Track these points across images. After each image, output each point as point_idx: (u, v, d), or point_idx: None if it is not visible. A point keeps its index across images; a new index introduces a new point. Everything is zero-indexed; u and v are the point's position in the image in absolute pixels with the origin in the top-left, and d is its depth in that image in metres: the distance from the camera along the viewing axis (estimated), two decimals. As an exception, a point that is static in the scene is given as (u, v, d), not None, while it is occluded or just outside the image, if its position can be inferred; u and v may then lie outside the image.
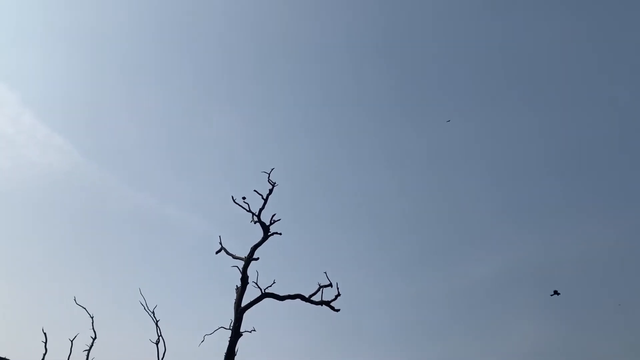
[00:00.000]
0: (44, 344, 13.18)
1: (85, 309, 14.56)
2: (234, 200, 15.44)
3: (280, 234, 15.50)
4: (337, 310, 14.45)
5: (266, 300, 14.37)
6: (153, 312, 14.62)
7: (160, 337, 14.41)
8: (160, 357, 14.18)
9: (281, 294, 14.59)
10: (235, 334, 13.40)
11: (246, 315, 13.88)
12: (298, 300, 14.64)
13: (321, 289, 14.58)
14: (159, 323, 14.56)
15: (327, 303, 14.44)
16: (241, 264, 14.85)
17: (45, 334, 13.41)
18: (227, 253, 15.61)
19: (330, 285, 14.49)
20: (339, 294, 14.44)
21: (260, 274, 14.63)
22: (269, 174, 15.81)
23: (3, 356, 12.27)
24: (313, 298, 14.60)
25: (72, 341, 13.85)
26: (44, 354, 12.90)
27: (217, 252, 15.74)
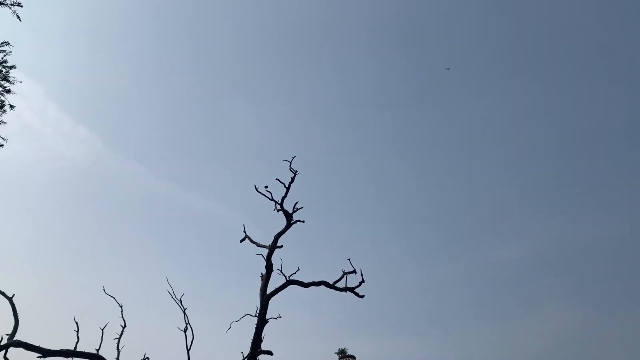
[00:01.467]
0: (75, 332, 13.46)
1: (114, 298, 14.85)
2: (256, 189, 15.55)
3: (303, 221, 15.59)
4: (362, 297, 14.49)
5: (291, 287, 14.47)
6: (180, 301, 14.81)
7: (188, 325, 14.60)
8: (189, 344, 14.38)
9: (305, 281, 14.70)
10: (262, 320, 13.53)
11: (271, 302, 14.01)
12: (322, 287, 14.72)
13: (345, 276, 14.63)
14: (186, 311, 14.77)
15: (352, 289, 14.49)
16: (265, 251, 14.96)
17: (76, 323, 13.72)
18: (251, 241, 15.76)
19: (354, 271, 14.53)
20: (363, 281, 14.47)
21: (285, 261, 14.75)
22: (290, 163, 15.91)
23: (37, 344, 12.57)
24: (337, 285, 14.65)
25: (102, 330, 14.13)
26: (76, 343, 13.13)
27: (241, 241, 15.89)
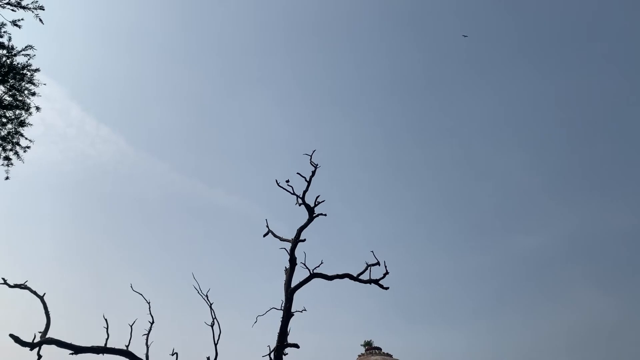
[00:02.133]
0: (105, 329, 13.67)
1: (141, 294, 15.06)
2: (278, 184, 15.58)
3: (325, 215, 15.59)
4: (386, 288, 14.43)
5: (315, 280, 14.49)
6: (207, 296, 14.97)
7: (215, 320, 14.76)
8: (216, 339, 14.54)
9: (329, 273, 14.70)
10: (287, 314, 13.58)
11: (297, 295, 14.05)
12: (347, 279, 14.69)
13: (369, 268, 14.58)
14: (212, 306, 14.92)
15: (376, 281, 14.43)
16: (288, 245, 15.00)
17: (106, 320, 13.93)
18: (275, 235, 15.82)
19: (378, 263, 14.46)
20: (387, 272, 14.39)
21: (308, 254, 14.76)
22: (311, 156, 15.91)
23: (69, 342, 12.83)
24: (361, 277, 14.61)
25: (131, 326, 14.32)
26: (106, 339, 13.32)
27: (264, 235, 15.95)
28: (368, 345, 62.76)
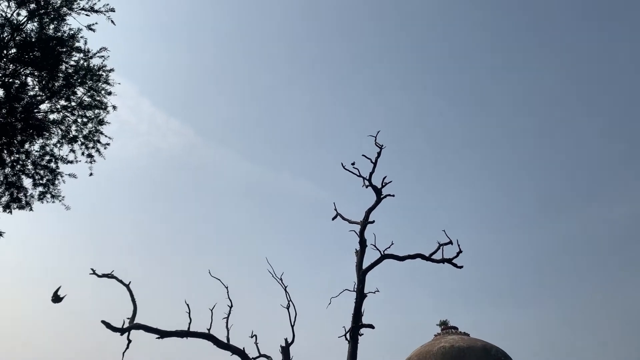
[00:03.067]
0: (187, 314, 14.25)
1: (219, 280, 15.58)
2: (344, 167, 15.59)
3: (393, 195, 15.45)
4: (460, 267, 14.16)
5: (387, 261, 14.46)
6: (281, 279, 15.31)
7: (290, 302, 15.09)
8: (292, 321, 14.87)
9: (400, 254, 14.61)
10: (360, 295, 13.66)
11: (369, 276, 14.10)
12: (419, 259, 14.56)
13: (441, 247, 14.35)
14: (287, 289, 15.25)
15: (449, 260, 14.19)
16: (358, 228, 15.02)
17: (187, 305, 14.50)
18: (343, 218, 15.88)
19: (450, 242, 14.20)
20: (460, 251, 14.11)
21: (378, 236, 14.73)
22: (376, 137, 15.77)
23: (154, 326, 13.56)
24: (434, 257, 14.42)
25: (211, 310, 14.85)
26: (189, 324, 13.92)
27: (333, 219, 16.06)
28: (444, 325, 62.05)
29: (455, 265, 14.21)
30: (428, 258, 14.49)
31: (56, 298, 13.33)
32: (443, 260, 14.31)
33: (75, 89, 12.88)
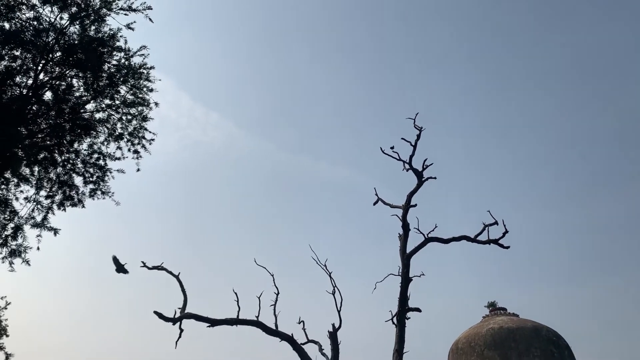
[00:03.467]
0: (236, 302, 14.59)
1: (265, 268, 15.84)
2: (382, 151, 15.49)
3: (435, 178, 15.24)
4: (507, 248, 13.90)
5: (432, 244, 14.34)
6: (325, 265, 15.44)
7: (335, 288, 15.21)
8: (338, 305, 15.00)
9: (444, 237, 14.46)
10: (405, 279, 13.61)
11: (414, 260, 14.03)
12: (464, 241, 14.37)
13: (486, 228, 14.10)
14: (332, 275, 15.36)
15: (495, 241, 13.94)
16: (400, 212, 14.92)
17: (235, 293, 14.84)
18: (385, 203, 15.78)
19: (496, 223, 13.93)
20: (506, 231, 13.83)
21: (421, 219, 14.59)
22: (414, 119, 15.57)
23: (205, 315, 13.94)
24: (479, 238, 14.20)
25: (259, 298, 15.13)
26: (238, 311, 14.26)
27: (374, 204, 15.99)
28: (492, 306, 61.17)
29: (501, 245, 13.95)
30: (473, 239, 14.27)
31: (119, 268, 13.85)
32: (489, 241, 14.08)
33: (119, 88, 13.28)
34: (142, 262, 14.90)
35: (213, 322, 13.89)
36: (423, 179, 15.17)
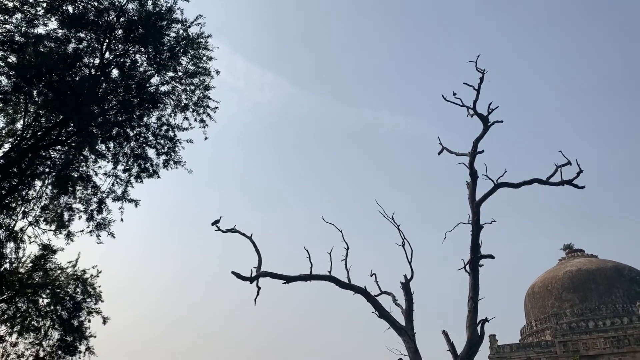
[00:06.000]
0: (308, 259, 14.96)
1: (333, 224, 16.08)
2: (444, 98, 15.06)
3: (502, 121, 14.71)
4: (582, 188, 13.37)
5: (504, 190, 14.02)
6: (393, 218, 15.49)
7: (405, 240, 15.28)
8: (409, 257, 15.11)
9: (515, 181, 14.08)
10: (476, 227, 13.46)
11: (484, 207, 13.81)
12: (536, 185, 13.94)
13: (559, 169, 13.58)
14: (400, 227, 15.41)
15: (569, 182, 13.42)
16: (466, 159, 14.59)
17: (307, 250, 15.22)
18: (450, 152, 15.45)
19: (569, 163, 13.37)
20: (581, 170, 13.27)
21: (489, 165, 14.24)
22: (476, 62, 14.96)
23: (279, 273, 14.48)
24: (551, 180, 13.73)
25: (330, 254, 15.44)
26: (311, 267, 14.63)
27: (439, 153, 15.69)
28: (569, 249, 59.44)
29: (576, 186, 13.40)
30: (546, 182, 13.78)
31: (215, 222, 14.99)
32: (562, 183, 13.56)
33: (180, 59, 13.60)
34: (217, 225, 15.50)
35: (288, 279, 14.39)
36: (489, 124, 14.69)
